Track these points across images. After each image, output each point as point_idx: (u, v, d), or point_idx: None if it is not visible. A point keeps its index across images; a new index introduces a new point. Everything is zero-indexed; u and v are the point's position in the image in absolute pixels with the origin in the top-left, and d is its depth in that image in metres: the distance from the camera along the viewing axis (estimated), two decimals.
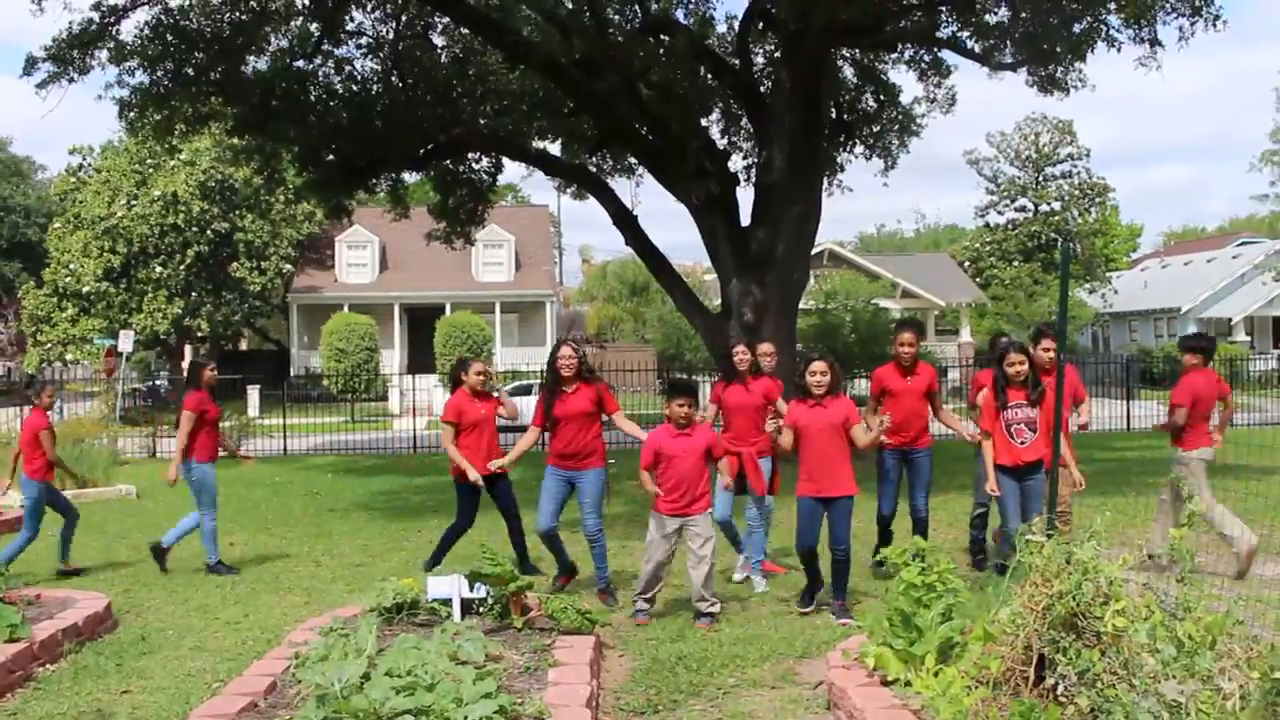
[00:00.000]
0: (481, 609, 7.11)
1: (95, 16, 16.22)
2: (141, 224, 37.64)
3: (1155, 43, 17.10)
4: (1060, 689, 4.67)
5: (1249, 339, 48.16)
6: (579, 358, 8.61)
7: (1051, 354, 8.68)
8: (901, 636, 5.67)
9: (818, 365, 7.90)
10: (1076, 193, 53.18)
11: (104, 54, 16.50)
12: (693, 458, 7.77)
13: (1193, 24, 16.75)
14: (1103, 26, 16.70)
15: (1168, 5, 16.60)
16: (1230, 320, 48.98)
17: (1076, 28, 16.26)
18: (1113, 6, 16.14)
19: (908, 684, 5.44)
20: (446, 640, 5.83)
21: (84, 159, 42.88)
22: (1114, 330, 55.61)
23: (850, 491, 7.83)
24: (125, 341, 28.36)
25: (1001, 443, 7.95)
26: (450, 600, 7.07)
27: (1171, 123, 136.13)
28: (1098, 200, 53.83)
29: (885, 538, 9.03)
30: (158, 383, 37.75)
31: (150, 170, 38.69)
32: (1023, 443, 7.87)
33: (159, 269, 38.25)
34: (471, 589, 7.10)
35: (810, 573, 8.11)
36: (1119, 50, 16.99)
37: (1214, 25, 16.74)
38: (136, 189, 38.35)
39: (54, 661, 7.06)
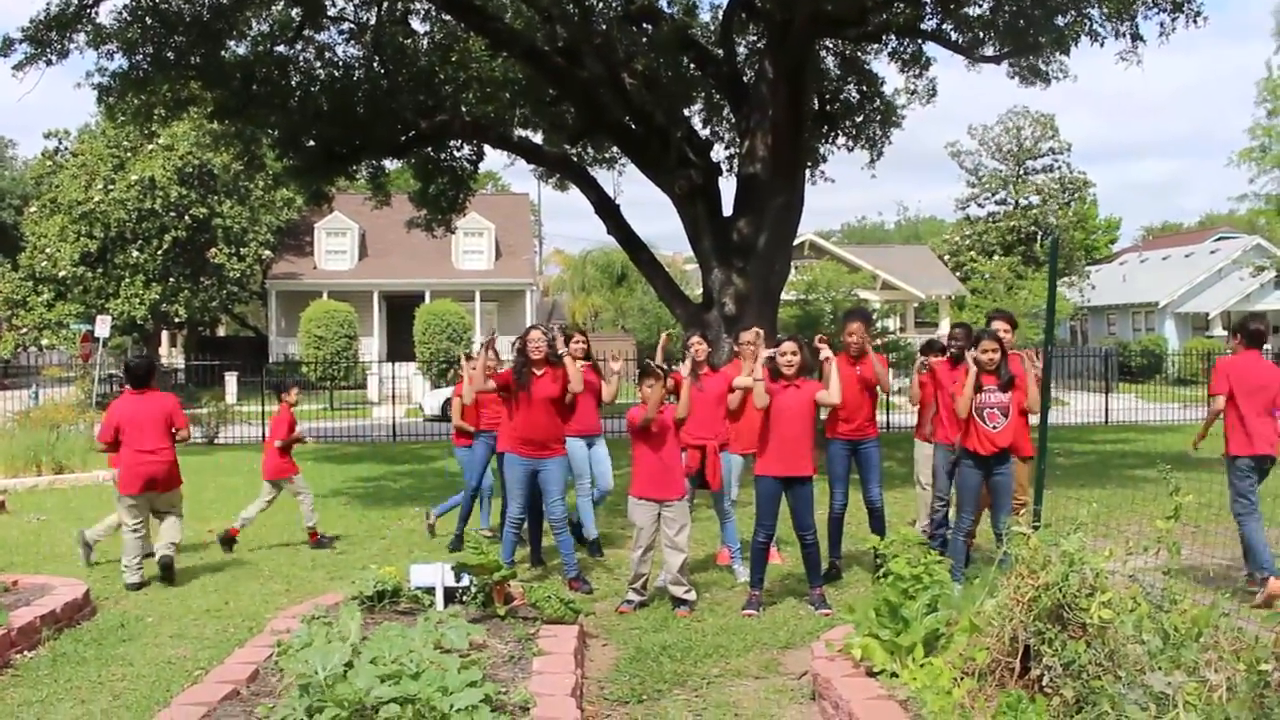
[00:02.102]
0: (465, 598, 7.08)
1: None
2: (119, 208, 37.32)
3: (1136, 37, 17.17)
4: (1046, 680, 4.68)
5: (1226, 333, 48.40)
6: (549, 341, 8.59)
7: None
8: (888, 627, 5.67)
9: (788, 345, 7.92)
10: (1057, 187, 53.35)
11: (82, 36, 16.34)
12: (667, 442, 7.82)
13: (1174, 19, 16.80)
14: (1086, 20, 16.72)
15: (1149, 1, 16.66)
16: (1208, 315, 49.26)
17: (1060, 21, 16.27)
18: (1095, 0, 16.17)
19: (894, 675, 5.45)
20: (430, 629, 5.80)
21: (60, 142, 42.53)
22: (1092, 324, 55.83)
23: (811, 473, 7.88)
24: (102, 327, 28.08)
25: (974, 428, 7.96)
26: (433, 588, 7.05)
27: (1157, 118, 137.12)
28: (1077, 195, 54.01)
29: (836, 534, 8.98)
30: None
31: (128, 154, 38.34)
32: (995, 427, 7.88)
33: (136, 254, 37.93)
34: (456, 578, 7.08)
35: (758, 575, 8.01)
36: (1102, 45, 17.03)
37: (1195, 21, 16.80)
38: (114, 173, 38.01)
39: (32, 649, 7.01)
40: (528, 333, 8.66)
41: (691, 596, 7.93)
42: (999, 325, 8.65)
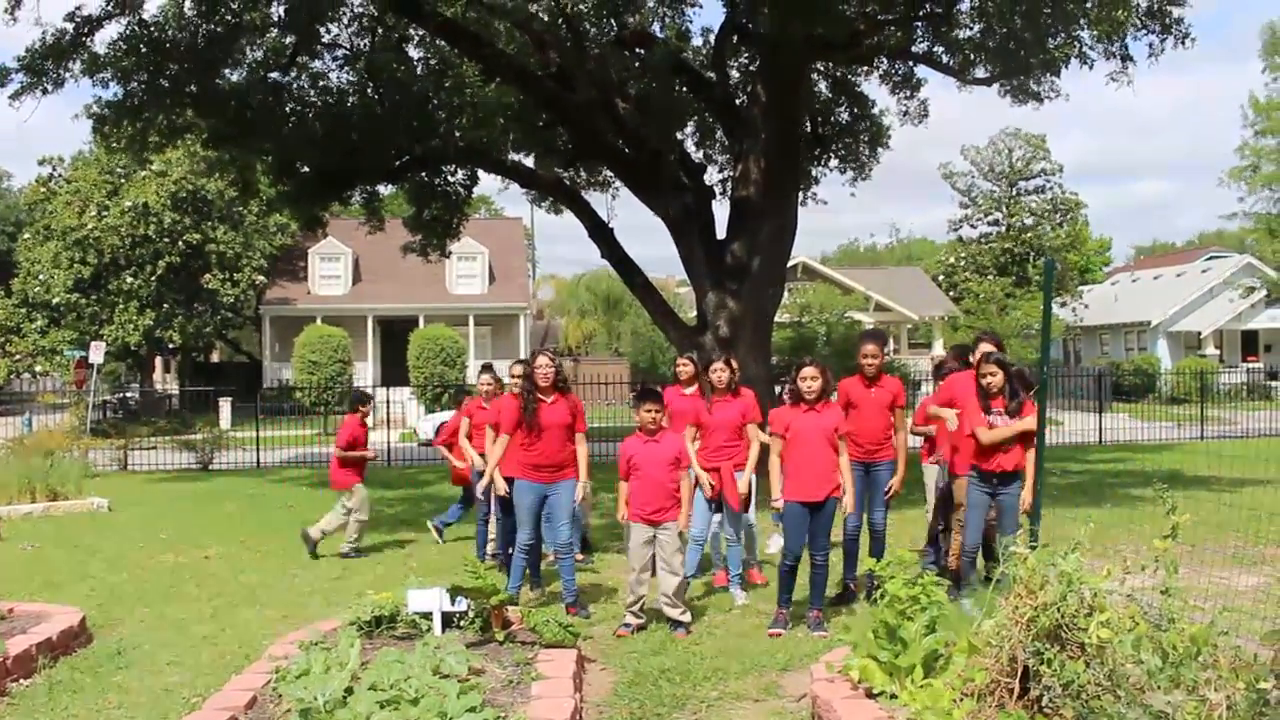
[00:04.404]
0: (462, 622, 7.07)
1: (69, 27, 16.13)
2: (112, 235, 37.31)
3: (1126, 58, 17.33)
4: (1045, 700, 4.68)
5: (1218, 352, 48.58)
6: (556, 368, 8.59)
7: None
8: (886, 649, 5.67)
9: (809, 370, 7.89)
10: (1049, 207, 53.54)
11: (77, 65, 16.39)
12: (661, 465, 7.82)
13: (1163, 40, 17.01)
14: (1075, 43, 16.85)
15: (1138, 22, 16.81)
16: (1200, 334, 49.41)
17: (1050, 43, 16.39)
18: (1085, 23, 16.30)
19: (893, 696, 5.44)
20: (429, 654, 5.80)
21: (54, 169, 42.50)
22: (1085, 343, 55.98)
23: (837, 494, 7.88)
24: (96, 353, 28.06)
25: (981, 448, 7.96)
26: (431, 613, 7.03)
27: (1153, 138, 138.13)
28: (1069, 216, 54.21)
29: (851, 556, 8.97)
30: (128, 395, 37.46)
31: (121, 180, 38.39)
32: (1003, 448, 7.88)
33: (130, 280, 37.91)
34: (453, 602, 7.07)
35: (787, 594, 8.04)
36: (1091, 67, 17.17)
37: (1183, 42, 17.00)
38: (107, 199, 38.04)
39: (28, 676, 6.97)
40: (534, 358, 8.65)
41: (687, 618, 7.94)
42: (986, 348, 8.71)
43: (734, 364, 9.53)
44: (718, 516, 9.31)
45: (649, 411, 7.89)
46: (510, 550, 9.35)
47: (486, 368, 11.39)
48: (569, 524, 8.58)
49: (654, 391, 8.23)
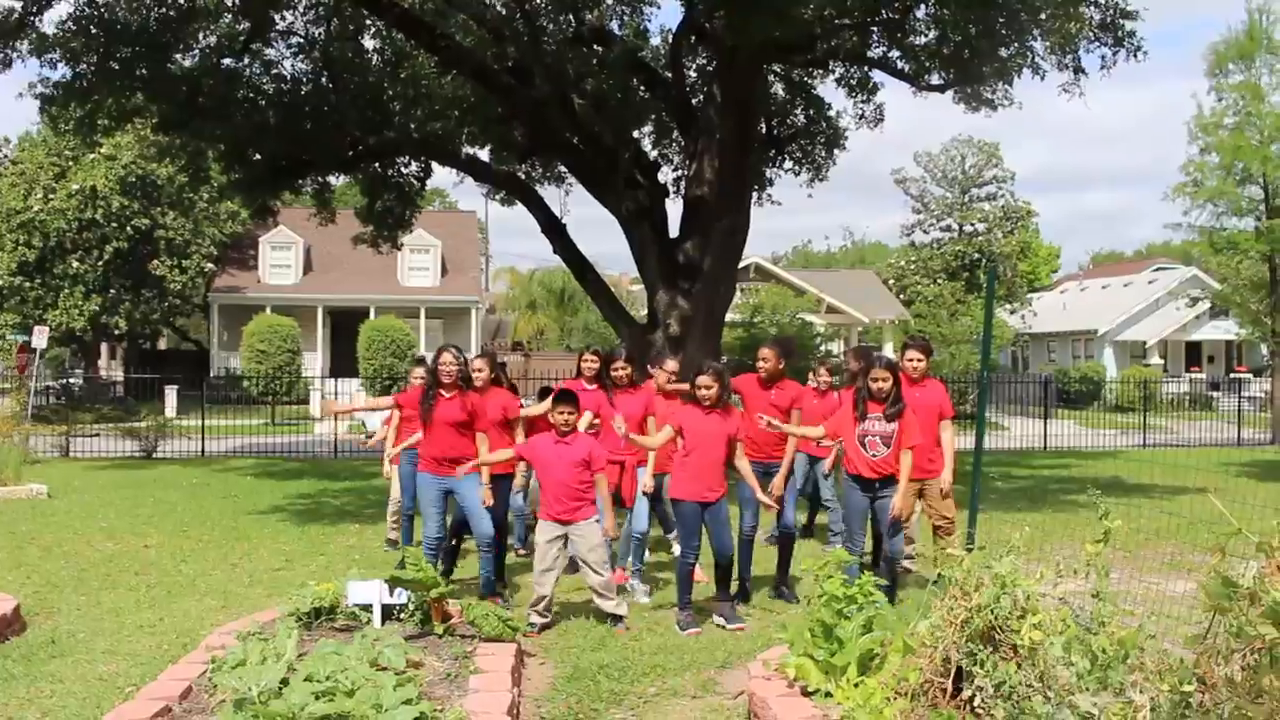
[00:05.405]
0: (402, 615, 7.05)
1: (17, 6, 15.91)
2: (59, 218, 36.79)
3: (1079, 70, 17.55)
4: (977, 700, 4.74)
5: (1163, 362, 49.32)
6: (460, 365, 8.60)
7: (915, 364, 8.88)
8: (823, 647, 5.72)
9: (704, 379, 7.94)
10: (1000, 214, 54.09)
11: (25, 45, 16.17)
12: (569, 465, 7.84)
13: (1115, 53, 17.24)
14: (1028, 52, 17.05)
15: (1091, 34, 17.03)
16: (1145, 343, 50.12)
17: (1003, 52, 16.56)
18: (1038, 34, 16.49)
19: (828, 695, 5.49)
20: (367, 646, 5.78)
21: (0, 150, 41.90)
22: (1033, 350, 56.63)
23: (725, 494, 8.02)
24: (39, 338, 27.61)
25: (854, 453, 8.06)
26: (371, 605, 7.01)
27: (1111, 149, 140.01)
28: (1020, 223, 54.79)
29: (745, 558, 8.91)
30: (72, 381, 36.95)
31: (69, 163, 37.86)
32: (875, 455, 7.96)
33: (76, 264, 37.40)
34: (392, 594, 7.04)
35: (687, 594, 8.11)
36: (1043, 78, 17.38)
37: (1135, 55, 17.25)
38: (54, 182, 37.49)
39: None
40: (439, 354, 8.67)
41: (622, 610, 7.97)
42: (911, 354, 8.84)
43: (668, 364, 9.74)
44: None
45: (561, 414, 7.92)
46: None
47: (419, 361, 11.40)
48: (488, 518, 8.58)
49: (569, 393, 8.24)
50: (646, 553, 9.39)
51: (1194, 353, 51.49)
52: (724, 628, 7.90)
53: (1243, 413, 28.92)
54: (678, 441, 8.06)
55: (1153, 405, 31.71)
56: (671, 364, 9.93)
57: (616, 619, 7.91)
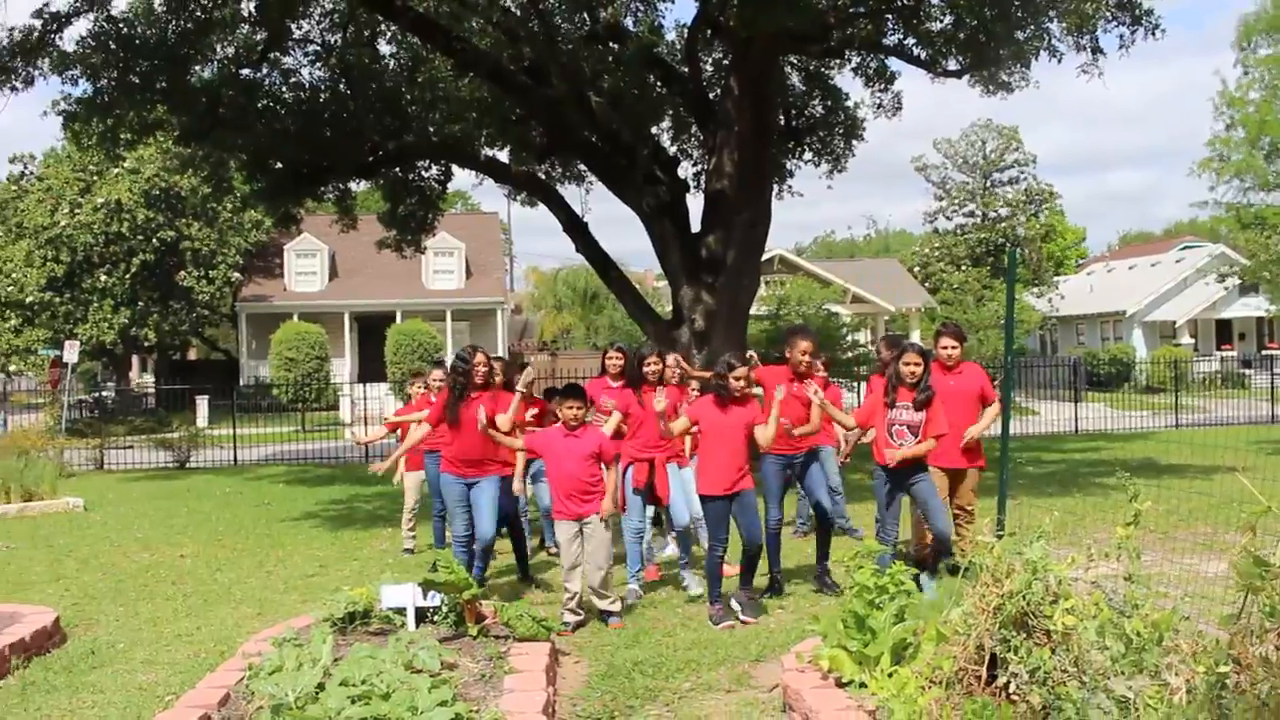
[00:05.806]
0: (436, 617, 7.09)
1: (37, 24, 16.04)
2: (85, 232, 37.10)
3: (1097, 50, 17.43)
4: (1012, 687, 4.73)
5: (1193, 341, 48.91)
6: (489, 366, 8.67)
7: (950, 351, 8.78)
8: (855, 638, 5.71)
9: (741, 370, 7.95)
10: (1023, 198, 53.79)
11: (46, 63, 16.31)
12: (579, 458, 7.85)
13: (1133, 32, 17.09)
14: (1045, 35, 16.94)
15: (1109, 14, 16.91)
16: (1175, 323, 49.73)
17: (1020, 36, 16.47)
18: (1054, 15, 16.39)
19: (862, 685, 5.48)
20: (401, 649, 5.81)
21: (25, 167, 42.21)
22: (1061, 333, 56.28)
23: (752, 485, 7.99)
24: (70, 352, 27.89)
25: (883, 442, 8.01)
26: (405, 609, 7.05)
27: (1135, 128, 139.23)
28: (1044, 206, 54.48)
29: (774, 551, 8.87)
30: (104, 394, 37.26)
31: (94, 178, 38.16)
32: (902, 444, 7.88)
33: (104, 278, 37.70)
34: (425, 597, 7.08)
35: (717, 590, 8.09)
36: (1060, 61, 17.29)
37: (1154, 34, 17.10)
38: (80, 197, 37.81)
39: (1, 678, 6.96)
40: (473, 354, 8.73)
41: (616, 607, 8.01)
42: (945, 341, 8.77)
43: (667, 358, 9.67)
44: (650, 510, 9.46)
45: (570, 408, 7.94)
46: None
47: (438, 363, 11.50)
48: (493, 521, 8.62)
49: (577, 387, 8.28)
50: (692, 546, 9.37)
51: (1224, 331, 51.06)
52: (739, 616, 7.90)
53: (1276, 389, 28.63)
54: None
55: (1184, 385, 31.45)
56: (672, 357, 9.91)
57: (608, 615, 7.98)
